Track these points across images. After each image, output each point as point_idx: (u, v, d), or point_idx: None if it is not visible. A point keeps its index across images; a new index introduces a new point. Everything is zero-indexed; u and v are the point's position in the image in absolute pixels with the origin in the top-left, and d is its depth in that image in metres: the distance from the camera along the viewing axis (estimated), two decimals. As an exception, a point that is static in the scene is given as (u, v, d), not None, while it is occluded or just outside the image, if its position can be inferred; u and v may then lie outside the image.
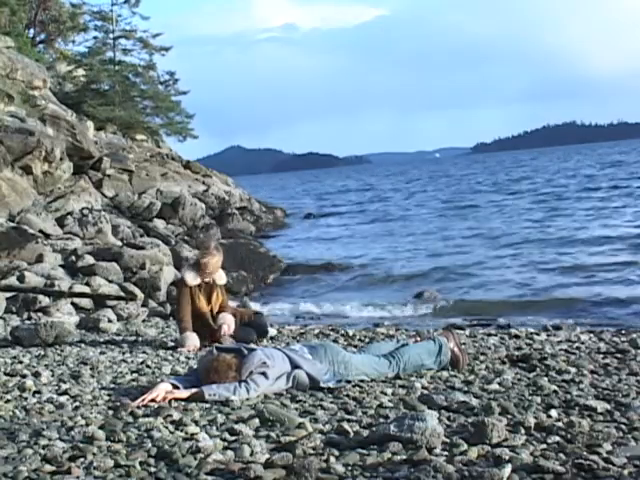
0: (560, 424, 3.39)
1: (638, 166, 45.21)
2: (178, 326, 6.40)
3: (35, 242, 11.06)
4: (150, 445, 3.25)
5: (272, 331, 6.73)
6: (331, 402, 4.00)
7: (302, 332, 6.99)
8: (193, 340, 6.04)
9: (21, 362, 5.48)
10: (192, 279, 6.23)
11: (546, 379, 4.37)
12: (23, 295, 8.61)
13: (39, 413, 3.92)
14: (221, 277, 6.36)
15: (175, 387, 4.20)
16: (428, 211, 26.67)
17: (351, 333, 6.74)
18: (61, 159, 16.64)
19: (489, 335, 6.42)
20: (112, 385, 4.62)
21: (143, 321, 8.19)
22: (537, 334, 6.42)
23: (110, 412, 3.90)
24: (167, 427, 3.55)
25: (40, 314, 8.19)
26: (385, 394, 4.16)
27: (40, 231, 12.46)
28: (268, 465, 2.90)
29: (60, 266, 10.35)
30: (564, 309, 9.04)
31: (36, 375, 4.93)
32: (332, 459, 2.99)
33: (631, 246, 13.73)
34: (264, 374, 4.24)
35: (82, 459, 3.07)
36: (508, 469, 2.73)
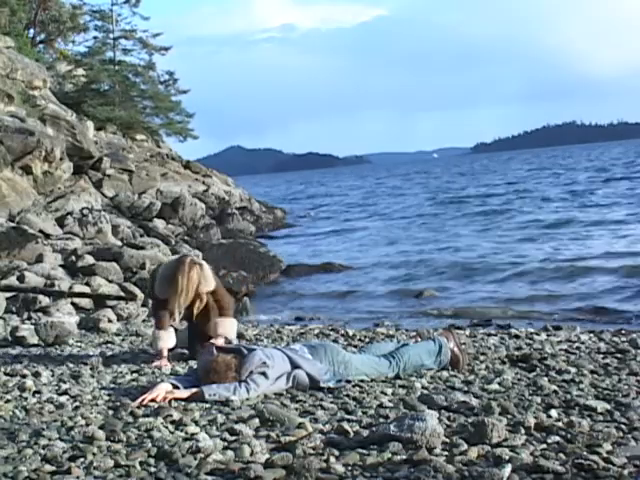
0: (560, 424, 3.38)
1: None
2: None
3: (35, 242, 11.07)
4: (150, 445, 3.25)
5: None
6: (331, 402, 4.00)
7: (302, 332, 6.99)
8: (165, 341, 5.29)
9: (21, 362, 5.49)
10: (162, 294, 5.30)
11: (546, 379, 4.37)
12: (23, 295, 8.61)
13: (39, 413, 3.92)
14: (206, 283, 5.29)
15: (175, 387, 4.20)
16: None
17: (351, 333, 6.74)
18: (61, 159, 16.66)
19: (489, 335, 6.41)
20: (112, 385, 4.62)
21: (143, 321, 8.18)
22: (537, 334, 6.41)
23: (110, 412, 3.90)
24: (167, 427, 3.55)
25: (40, 314, 8.19)
26: (385, 394, 4.16)
27: (40, 231, 12.47)
28: (268, 465, 2.90)
29: (60, 266, 10.36)
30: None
31: (36, 375, 4.93)
32: (332, 459, 2.99)
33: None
34: (264, 374, 4.24)
35: (82, 459, 3.07)
36: (508, 469, 2.73)
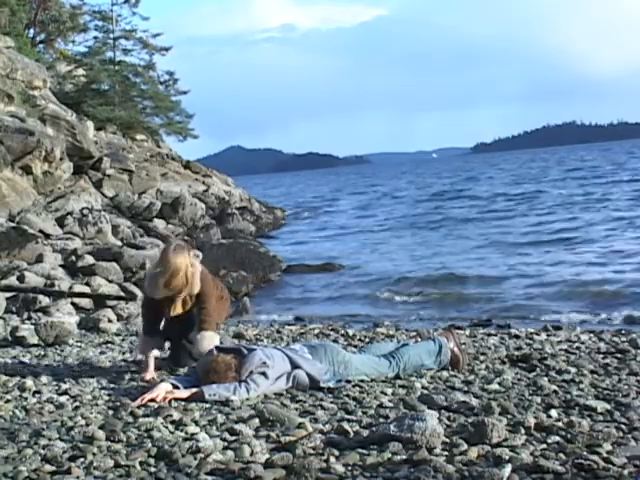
0: (560, 424, 3.38)
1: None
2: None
3: (35, 242, 11.07)
4: (150, 445, 3.25)
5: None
6: (331, 402, 4.00)
7: (302, 332, 6.99)
8: (148, 345, 4.88)
9: (21, 362, 5.49)
10: (151, 292, 4.83)
11: (546, 379, 4.37)
12: (23, 295, 8.61)
13: (39, 413, 3.92)
14: (195, 284, 4.76)
15: (175, 387, 4.20)
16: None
17: (351, 333, 6.74)
18: (61, 159, 16.66)
19: (489, 335, 6.41)
20: (112, 385, 4.62)
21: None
22: (537, 334, 6.41)
23: (110, 412, 3.90)
24: (167, 427, 3.55)
25: (40, 314, 8.19)
26: (385, 394, 4.16)
27: (40, 231, 12.47)
28: (268, 465, 2.90)
29: (60, 266, 10.36)
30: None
31: (36, 375, 4.92)
32: (332, 459, 2.99)
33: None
34: (264, 374, 4.24)
35: (82, 459, 3.07)
36: (508, 469, 2.73)
